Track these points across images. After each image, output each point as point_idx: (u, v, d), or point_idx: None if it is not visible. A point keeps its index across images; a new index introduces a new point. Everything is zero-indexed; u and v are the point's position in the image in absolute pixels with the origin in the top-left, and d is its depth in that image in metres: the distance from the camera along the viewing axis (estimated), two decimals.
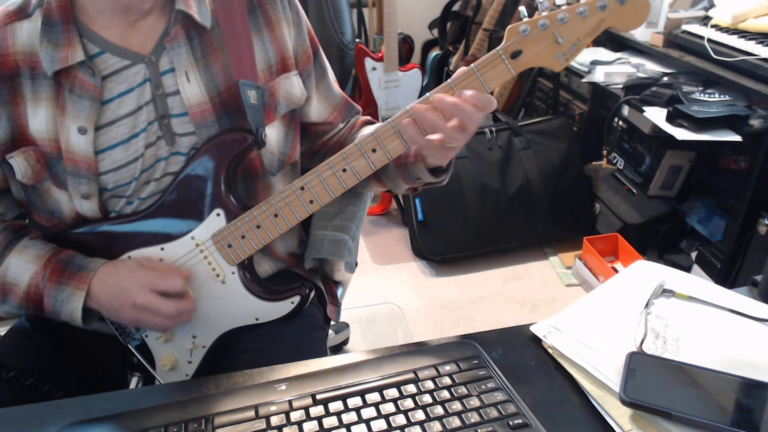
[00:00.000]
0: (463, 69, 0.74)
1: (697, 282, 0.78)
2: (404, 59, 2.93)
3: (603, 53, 2.30)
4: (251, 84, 0.84)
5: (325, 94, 0.97)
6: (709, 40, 1.83)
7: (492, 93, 0.75)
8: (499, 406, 0.59)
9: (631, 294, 0.76)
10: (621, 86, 2.05)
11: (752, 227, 1.73)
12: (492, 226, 2.32)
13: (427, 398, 0.60)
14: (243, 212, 0.83)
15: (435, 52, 3.07)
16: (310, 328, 0.97)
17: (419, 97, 0.86)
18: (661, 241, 2.17)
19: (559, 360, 0.67)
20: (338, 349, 1.91)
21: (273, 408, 0.60)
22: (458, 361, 0.65)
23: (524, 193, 2.33)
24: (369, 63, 2.59)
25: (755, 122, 1.70)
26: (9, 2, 0.81)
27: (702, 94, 1.79)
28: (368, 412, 0.59)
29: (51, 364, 0.89)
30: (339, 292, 1.12)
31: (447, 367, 0.64)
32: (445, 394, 0.61)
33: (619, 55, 2.27)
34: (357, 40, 2.63)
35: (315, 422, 0.58)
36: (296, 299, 0.87)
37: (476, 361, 0.65)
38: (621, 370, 0.62)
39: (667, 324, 0.70)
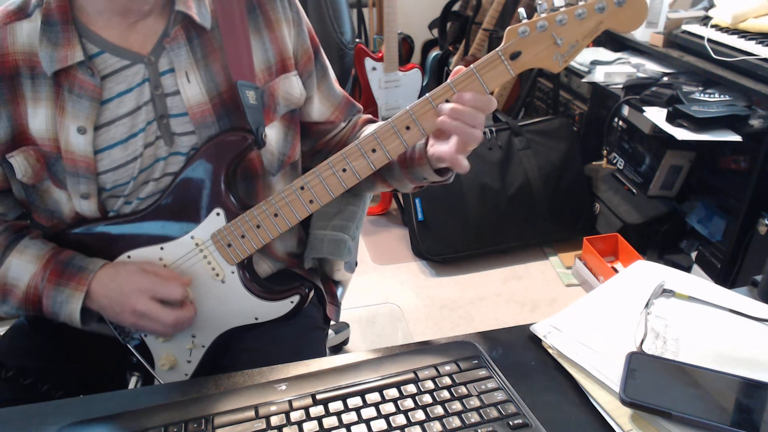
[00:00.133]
0: (461, 69, 0.74)
1: (697, 282, 0.78)
2: (404, 59, 2.93)
3: (603, 53, 2.30)
4: (250, 85, 0.84)
5: (327, 94, 0.97)
6: (709, 40, 1.83)
7: (492, 93, 0.75)
8: (499, 406, 0.59)
9: (631, 294, 0.76)
10: (621, 86, 2.05)
11: (752, 227, 1.73)
12: (492, 226, 2.32)
13: (427, 398, 0.60)
14: (243, 212, 0.83)
15: (435, 52, 3.07)
16: (310, 328, 0.97)
17: (419, 97, 0.86)
18: (661, 241, 2.17)
19: (559, 360, 0.67)
20: (338, 349, 1.91)
21: (273, 408, 0.60)
22: (458, 361, 0.65)
23: (524, 193, 2.33)
24: (369, 63, 2.59)
25: (755, 122, 1.71)
26: (9, 2, 0.81)
27: (702, 94, 1.79)
28: (368, 412, 0.59)
29: (50, 364, 0.89)
30: (339, 292, 1.12)
31: (447, 367, 0.64)
32: (445, 394, 0.61)
33: (619, 55, 2.27)
34: (357, 40, 2.63)
35: (315, 422, 0.58)
36: (296, 299, 0.87)
37: (476, 361, 0.65)
38: (621, 370, 0.62)
39: (667, 324, 0.70)
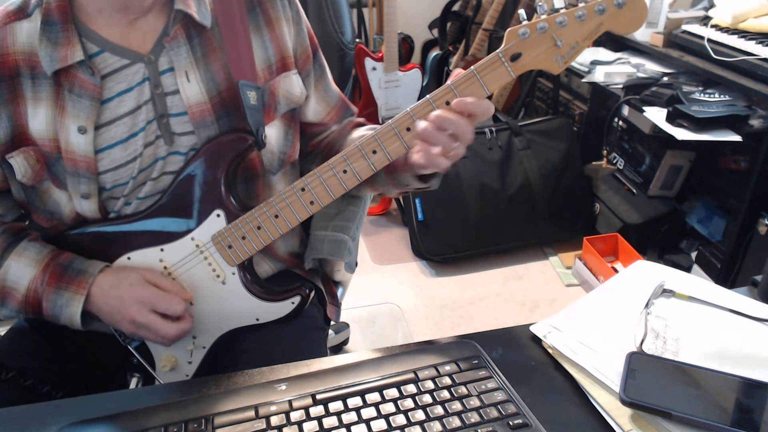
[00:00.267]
0: (461, 71, 0.74)
1: (697, 282, 0.78)
2: (404, 59, 2.93)
3: (603, 53, 2.30)
4: (251, 85, 0.84)
5: (324, 94, 0.97)
6: (709, 40, 1.83)
7: (492, 94, 0.75)
8: (499, 406, 0.59)
9: (631, 294, 0.76)
10: (621, 86, 2.05)
11: (752, 227, 1.73)
12: (492, 226, 2.32)
13: (427, 398, 0.60)
14: (243, 213, 0.83)
15: (435, 52, 3.07)
16: (310, 329, 0.97)
17: (419, 97, 0.86)
18: (661, 241, 2.17)
19: (559, 360, 0.67)
20: (338, 349, 1.91)
21: (273, 408, 0.60)
22: (458, 361, 0.65)
23: (524, 193, 2.33)
24: (369, 63, 2.59)
25: (755, 122, 1.70)
26: (9, 2, 0.81)
27: (702, 94, 1.79)
28: (368, 412, 0.59)
29: (51, 365, 0.89)
30: (339, 292, 1.12)
31: (447, 367, 0.64)
32: (445, 394, 0.61)
33: (619, 55, 2.27)
34: (357, 40, 2.63)
35: (315, 422, 0.58)
36: (296, 299, 0.87)
37: (476, 361, 0.65)
38: (621, 370, 0.62)
39: (667, 324, 0.70)
